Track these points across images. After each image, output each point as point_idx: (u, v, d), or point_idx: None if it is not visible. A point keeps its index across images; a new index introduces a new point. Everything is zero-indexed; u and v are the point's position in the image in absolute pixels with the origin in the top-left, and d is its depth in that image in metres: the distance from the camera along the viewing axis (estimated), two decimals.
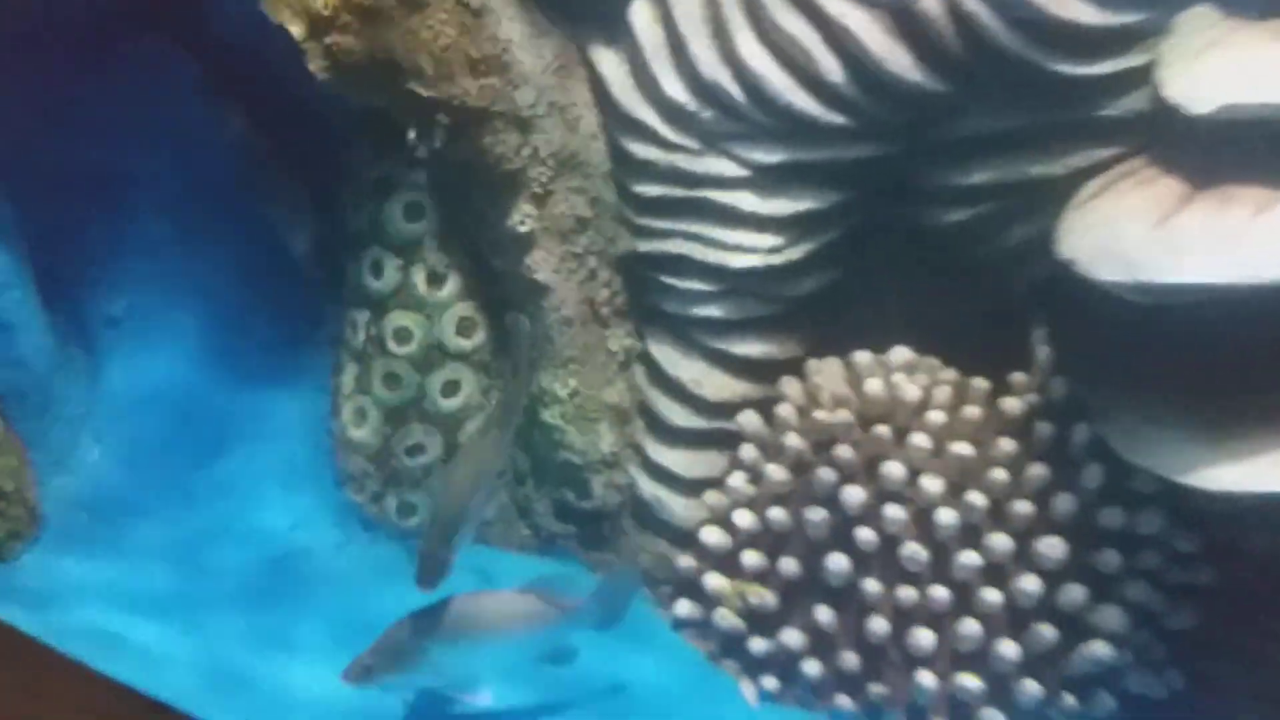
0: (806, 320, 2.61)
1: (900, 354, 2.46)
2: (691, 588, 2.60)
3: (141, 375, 2.94)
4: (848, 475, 2.40)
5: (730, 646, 2.54)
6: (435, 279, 2.73)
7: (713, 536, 2.62)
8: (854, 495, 2.38)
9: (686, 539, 2.69)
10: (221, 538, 2.73)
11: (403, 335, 2.76)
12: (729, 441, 2.49)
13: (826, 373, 2.65)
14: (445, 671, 2.24)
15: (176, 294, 2.98)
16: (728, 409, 2.56)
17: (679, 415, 2.56)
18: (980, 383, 2.48)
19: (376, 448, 2.78)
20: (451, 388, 2.76)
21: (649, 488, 2.54)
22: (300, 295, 2.98)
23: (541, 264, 2.61)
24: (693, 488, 2.67)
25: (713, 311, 2.49)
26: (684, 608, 2.59)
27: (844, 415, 2.50)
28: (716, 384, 2.61)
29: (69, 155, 2.92)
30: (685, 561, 2.69)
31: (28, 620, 2.38)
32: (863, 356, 2.57)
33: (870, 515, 2.25)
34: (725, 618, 2.51)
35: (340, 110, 2.78)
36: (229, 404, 2.96)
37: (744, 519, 2.54)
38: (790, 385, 2.66)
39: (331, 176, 2.86)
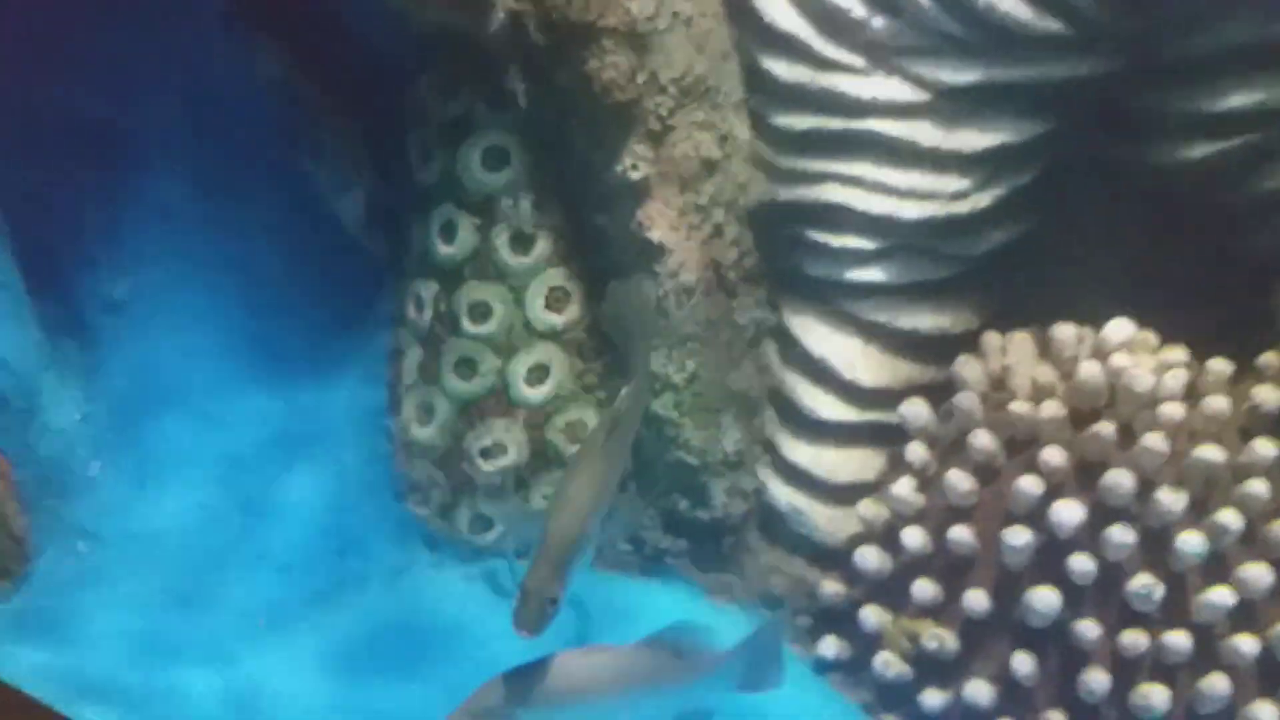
0: (990, 286, 2.09)
1: (1119, 329, 1.92)
2: (840, 622, 2.08)
3: (150, 372, 2.37)
4: (1057, 486, 1.85)
5: (894, 699, 1.99)
6: (521, 242, 2.18)
7: (870, 559, 2.08)
8: (1067, 513, 1.81)
9: (833, 559, 2.15)
10: (255, 568, 2.19)
11: (480, 311, 2.19)
12: (888, 438, 2.03)
13: (1017, 352, 2.18)
14: None
15: (193, 271, 2.39)
16: (888, 397, 2.10)
17: (825, 405, 2.08)
18: (1221, 365, 1.93)
19: (445, 450, 2.22)
20: (539, 374, 2.20)
21: (784, 495, 2.08)
22: (350, 268, 2.37)
23: (657, 219, 2.04)
24: (841, 495, 2.12)
25: (874, 275, 2.01)
26: (830, 647, 2.05)
27: (1051, 408, 1.98)
28: (874, 365, 2.07)
29: (60, 104, 2.34)
30: (832, 588, 2.15)
31: (27, 677, 1.92)
32: (1065, 331, 2.01)
33: (1087, 539, 1.78)
34: (889, 664, 1.96)
35: (401, 39, 2.23)
36: (260, 404, 2.36)
37: (913, 538, 1.98)
38: (970, 367, 2.09)
39: (390, 122, 2.30)
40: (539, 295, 2.23)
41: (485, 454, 2.26)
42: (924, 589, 2.01)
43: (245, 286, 2.52)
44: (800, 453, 2.15)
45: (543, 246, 2.20)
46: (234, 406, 2.44)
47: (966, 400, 2.07)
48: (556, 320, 2.24)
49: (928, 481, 2.07)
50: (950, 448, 2.09)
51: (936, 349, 2.16)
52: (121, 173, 2.44)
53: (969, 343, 2.14)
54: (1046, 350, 2.11)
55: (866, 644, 2.06)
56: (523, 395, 2.26)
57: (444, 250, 2.25)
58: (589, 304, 2.26)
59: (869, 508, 2.13)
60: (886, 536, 2.09)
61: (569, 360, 2.28)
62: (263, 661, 2.06)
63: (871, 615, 2.05)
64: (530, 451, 2.25)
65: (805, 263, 2.02)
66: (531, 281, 2.22)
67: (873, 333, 2.02)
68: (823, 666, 2.10)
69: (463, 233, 2.22)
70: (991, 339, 2.15)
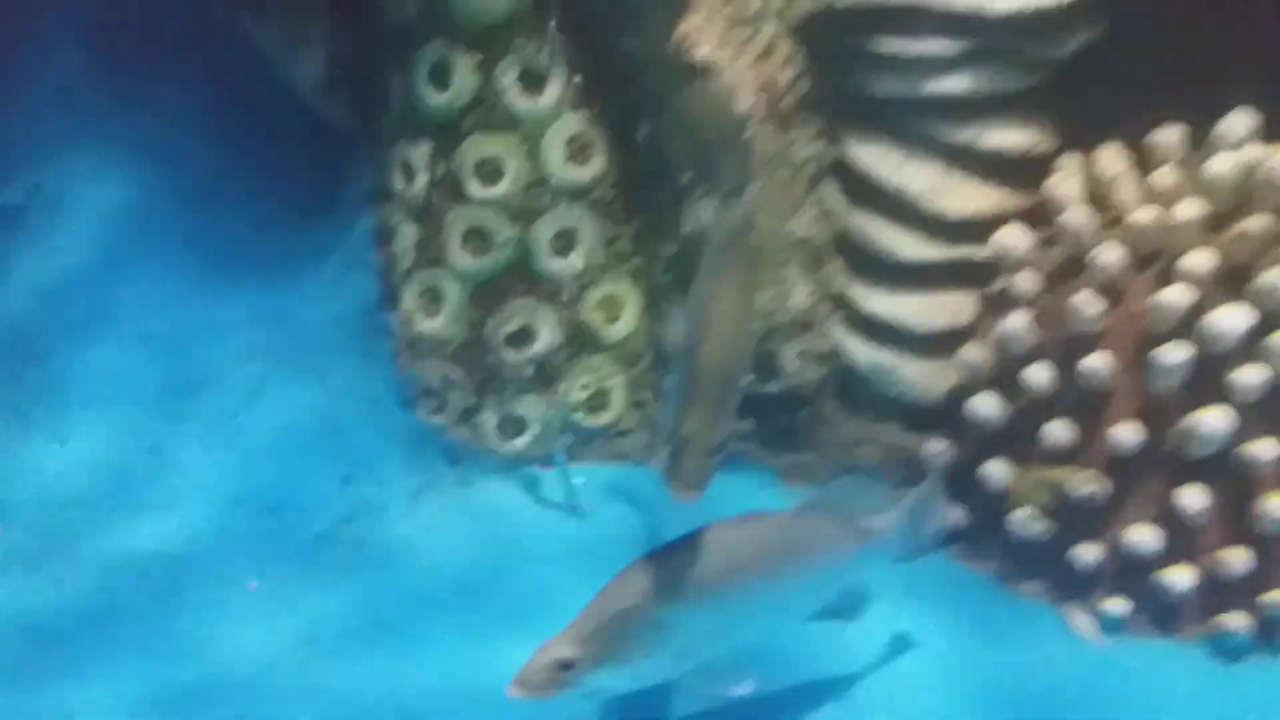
0: (1075, 97, 1.76)
1: (1242, 120, 1.63)
2: (951, 486, 1.78)
3: (61, 290, 1.89)
4: (1209, 297, 1.58)
5: (1034, 562, 1.70)
6: (532, 80, 1.78)
7: (986, 408, 1.75)
8: (1228, 321, 1.54)
9: (932, 419, 1.89)
10: (232, 515, 1.74)
11: (489, 170, 1.80)
12: (978, 277, 1.77)
13: (1111, 165, 1.94)
14: (696, 650, 1.36)
15: (108, 164, 1.94)
16: (977, 229, 1.83)
17: (906, 244, 1.81)
18: None
19: (461, 342, 1.84)
20: (565, 240, 1.84)
21: (865, 353, 1.79)
22: (310, 143, 1.93)
23: (699, 35, 1.71)
24: (934, 346, 1.78)
25: (953, 86, 1.71)
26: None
27: (1189, 209, 1.62)
28: (960, 193, 1.79)
29: None
30: (938, 449, 1.95)
31: None
32: (1169, 134, 1.72)
33: (1253, 350, 1.57)
34: (1028, 521, 1.66)
35: None
36: (213, 315, 1.91)
37: (1038, 376, 1.65)
38: (1068, 184, 1.76)
39: None
40: (558, 145, 1.82)
41: (511, 341, 1.88)
42: (1058, 431, 1.68)
43: (177, 177, 2.08)
44: (880, 303, 1.80)
45: (559, 85, 1.80)
46: (178, 323, 2.00)
47: (1077, 216, 1.82)
48: (581, 175, 1.84)
49: (1043, 313, 1.85)
50: (1060, 273, 1.87)
51: (1022, 172, 1.82)
52: (16, 48, 1.94)
53: (1052, 165, 1.91)
54: (1147, 160, 1.90)
55: (991, 505, 1.77)
56: (549, 268, 1.87)
57: (437, 99, 1.81)
58: (616, 154, 1.95)
59: (973, 352, 1.88)
60: (999, 381, 1.87)
61: (599, 224, 1.91)
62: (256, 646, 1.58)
63: (996, 471, 1.75)
64: (563, 335, 1.89)
65: (871, 80, 1.72)
66: (548, 129, 1.81)
67: (956, 156, 1.77)
68: (945, 539, 1.82)
69: (460, 74, 1.78)
70: (1074, 160, 1.93)
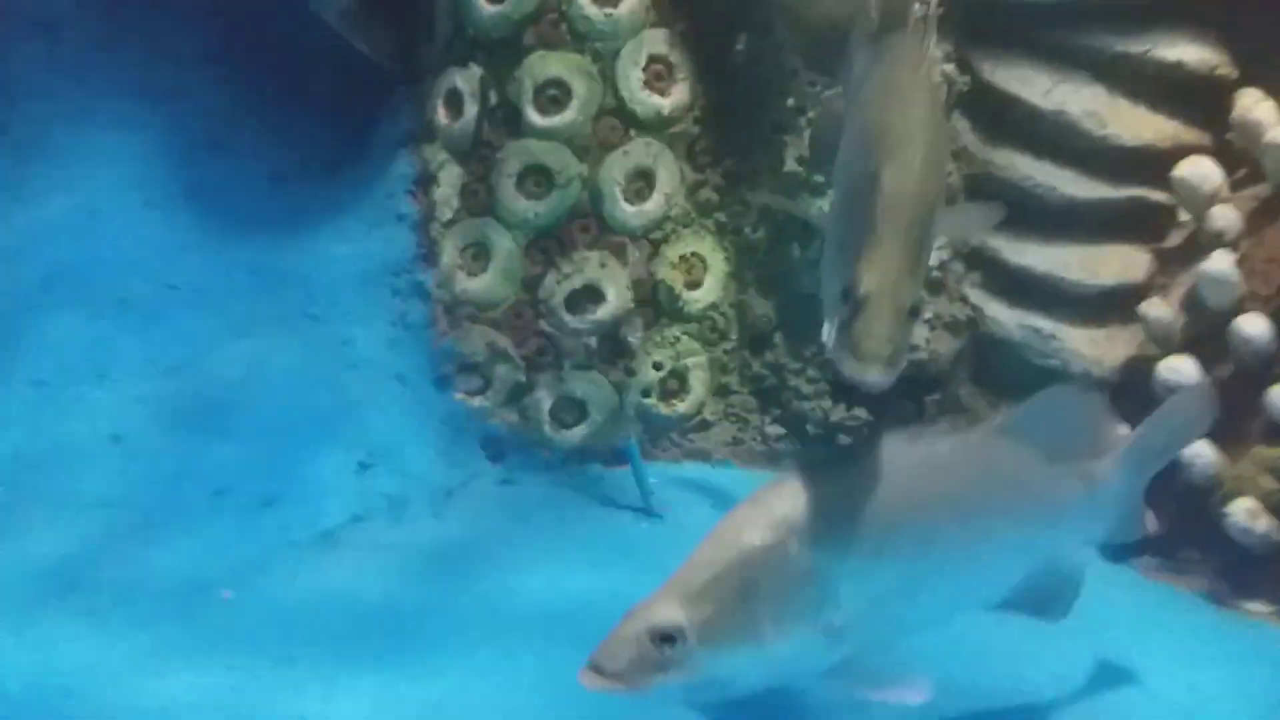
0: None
1: None
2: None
3: (18, 245, 1.55)
4: None
5: (1256, 573, 1.30)
6: None
7: (1184, 372, 1.38)
8: None
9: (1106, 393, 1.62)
10: (230, 509, 1.36)
11: (553, 94, 1.47)
12: (1154, 222, 1.45)
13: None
14: (857, 627, 0.96)
15: (96, 102, 1.62)
16: (1152, 162, 1.51)
17: (1064, 180, 1.50)
18: None
19: (510, 304, 1.48)
20: (643, 181, 1.49)
21: (1014, 319, 1.47)
22: (339, 81, 1.61)
23: None
24: (1101, 306, 1.45)
25: None
26: None
27: None
28: (1130, 119, 1.50)
29: None
30: (1118, 434, 1.62)
31: None
32: None
33: None
34: (1248, 518, 1.26)
35: None
36: (209, 281, 1.54)
37: (1256, 327, 1.29)
38: (1261, 105, 1.37)
39: None
40: (635, 66, 1.48)
41: (573, 304, 1.51)
42: None
43: (176, 121, 1.74)
44: (1032, 255, 1.46)
45: None
46: (164, 288, 1.60)
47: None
48: (662, 103, 1.49)
49: (1247, 260, 1.49)
50: (1266, 211, 1.53)
51: (1201, 100, 1.51)
52: None
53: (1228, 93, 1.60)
54: None
55: (1195, 502, 1.33)
56: (623, 215, 1.49)
57: (490, 9, 1.48)
58: (703, 81, 1.55)
59: (1159, 309, 1.52)
60: (1194, 345, 1.51)
61: (679, 165, 1.56)
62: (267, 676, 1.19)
63: (1202, 455, 1.35)
64: (635, 299, 1.51)
65: None
66: (624, 46, 1.48)
67: (1118, 77, 1.46)
68: (1122, 550, 1.41)
69: None
70: (1256, 92, 1.62)
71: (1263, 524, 1.29)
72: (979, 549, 1.00)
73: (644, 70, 1.51)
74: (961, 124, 1.56)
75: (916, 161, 0.93)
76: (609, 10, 1.50)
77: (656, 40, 1.52)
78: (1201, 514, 1.36)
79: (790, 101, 1.51)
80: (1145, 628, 1.28)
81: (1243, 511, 1.29)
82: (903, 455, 0.98)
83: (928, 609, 1.01)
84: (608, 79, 1.52)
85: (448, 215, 1.56)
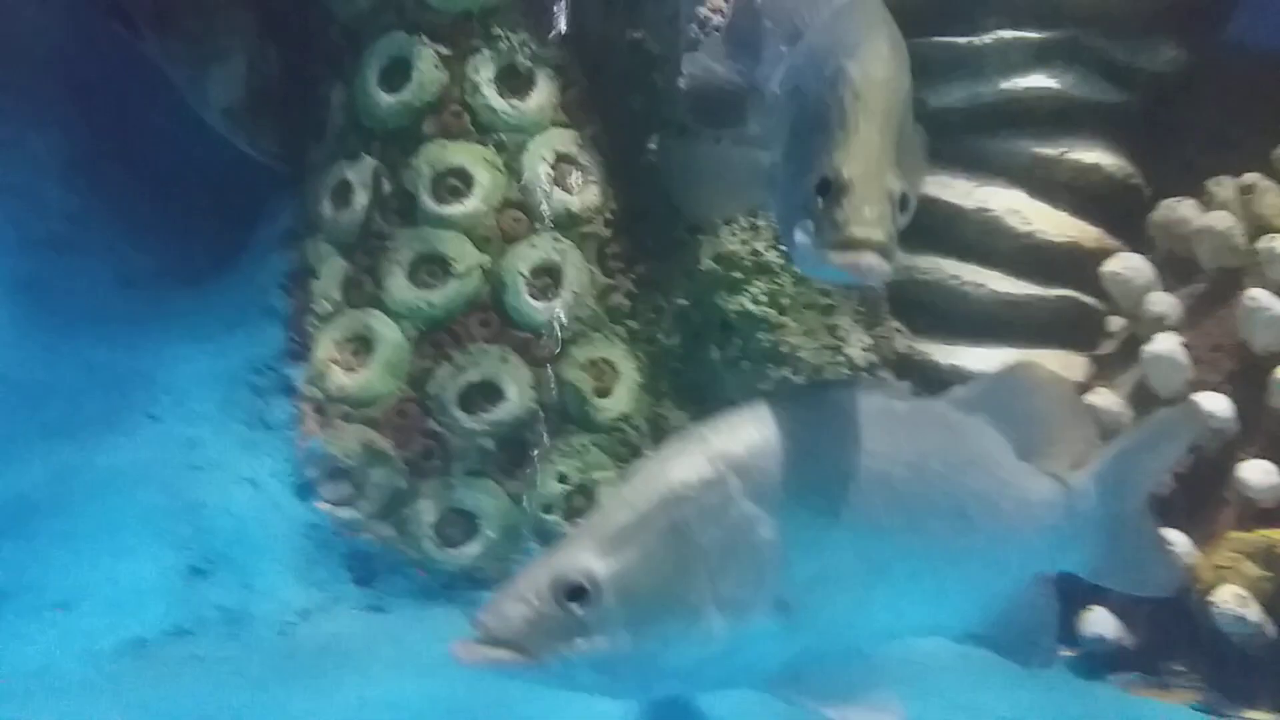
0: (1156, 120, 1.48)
1: None
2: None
3: None
4: None
5: (1254, 674, 1.11)
6: (515, 79, 1.38)
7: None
8: None
9: None
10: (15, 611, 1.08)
11: (452, 183, 1.34)
12: (1085, 325, 1.36)
13: (1220, 192, 1.56)
14: (812, 607, 0.76)
15: None
16: (1077, 264, 1.39)
17: (992, 279, 1.37)
18: None
19: (393, 404, 1.28)
20: (549, 279, 1.34)
21: None
22: (216, 181, 1.47)
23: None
24: None
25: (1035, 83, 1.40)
26: (1100, 623, 1.17)
27: None
28: (1055, 220, 1.35)
29: None
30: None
31: None
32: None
33: None
34: (1234, 606, 1.08)
35: None
36: (38, 380, 1.29)
37: (1218, 405, 1.17)
38: (1183, 204, 1.34)
39: None
40: (543, 161, 1.37)
41: (468, 402, 1.31)
42: (1256, 475, 1.14)
43: (20, 224, 1.54)
44: (965, 356, 1.35)
45: (547, 90, 1.40)
46: (38, 387, 1.30)
47: (1222, 219, 1.28)
48: (570, 200, 1.37)
49: (1192, 344, 1.34)
50: (1207, 298, 1.37)
51: (1117, 205, 1.44)
52: None
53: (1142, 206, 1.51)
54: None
55: (1173, 603, 1.16)
56: (527, 308, 1.33)
57: (388, 100, 1.36)
58: (615, 186, 1.46)
59: (1106, 399, 1.29)
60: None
61: (589, 268, 1.43)
62: None
63: (1177, 548, 1.21)
64: (538, 401, 1.32)
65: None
66: (531, 140, 1.39)
67: (1038, 180, 1.42)
68: (1091, 662, 1.19)
69: (422, 67, 1.35)
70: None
71: (1255, 613, 1.12)
72: (947, 536, 0.81)
73: (552, 169, 1.45)
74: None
75: (884, 49, 0.80)
76: (515, 102, 1.43)
77: (565, 140, 1.43)
78: (1181, 618, 1.19)
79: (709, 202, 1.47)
80: None
81: (1231, 598, 1.11)
82: (863, 406, 0.80)
83: (890, 608, 0.79)
84: (512, 171, 1.43)
85: (326, 308, 1.37)
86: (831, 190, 0.74)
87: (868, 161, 0.75)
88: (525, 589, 0.71)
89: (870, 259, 0.73)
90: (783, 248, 0.97)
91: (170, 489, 1.19)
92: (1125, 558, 0.91)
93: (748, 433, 0.77)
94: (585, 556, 0.71)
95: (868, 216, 0.73)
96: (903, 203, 0.76)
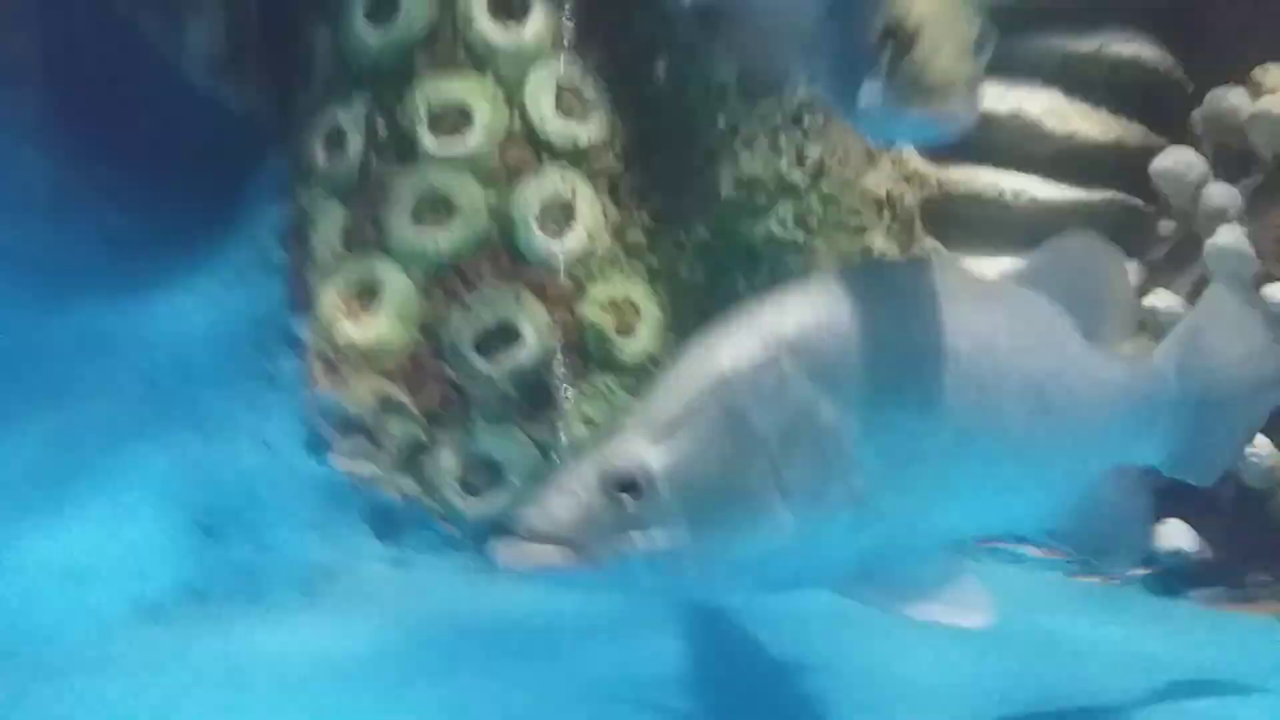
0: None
1: None
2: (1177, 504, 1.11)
3: None
4: None
5: None
6: (511, 7, 1.29)
7: None
8: None
9: None
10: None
11: (452, 119, 1.26)
12: (1137, 235, 1.29)
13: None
14: (890, 495, 0.69)
15: None
16: (1128, 158, 1.32)
17: (1033, 184, 1.30)
18: None
19: (406, 350, 1.20)
20: (561, 215, 1.26)
21: None
22: (200, 136, 1.37)
23: None
24: None
25: None
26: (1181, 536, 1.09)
27: None
28: (1095, 120, 1.29)
29: None
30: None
31: None
32: None
33: None
34: None
35: None
36: (19, 347, 1.21)
37: None
38: (1233, 92, 1.26)
39: None
40: (546, 91, 1.29)
41: (485, 346, 1.23)
42: None
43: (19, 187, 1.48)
44: (1008, 269, 1.39)
45: (544, 16, 1.30)
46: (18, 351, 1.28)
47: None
48: (578, 131, 1.29)
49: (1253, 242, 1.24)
50: (1263, 193, 1.34)
51: (1158, 101, 1.35)
52: None
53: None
54: None
55: (1256, 508, 1.09)
56: (540, 246, 1.26)
57: (376, 37, 1.28)
58: (622, 115, 1.39)
59: (1166, 299, 1.19)
60: None
61: (601, 203, 1.38)
62: None
63: (1258, 451, 1.06)
64: (560, 339, 1.25)
65: None
66: (531, 71, 1.30)
67: (1073, 78, 1.34)
68: (1169, 579, 1.11)
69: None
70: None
71: None
72: (1020, 419, 0.73)
73: (555, 99, 1.36)
74: (907, 150, 1.45)
75: None
76: (512, 31, 1.37)
77: (568, 70, 1.37)
78: (1263, 524, 1.12)
79: (722, 123, 1.37)
80: (1236, 663, 1.01)
81: None
82: (922, 282, 0.73)
83: (964, 498, 0.72)
84: (513, 104, 1.36)
85: (328, 258, 1.28)
86: (899, 37, 0.66)
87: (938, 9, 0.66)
88: (572, 482, 0.64)
89: (954, 106, 0.65)
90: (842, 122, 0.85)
91: (173, 450, 1.12)
92: (1208, 447, 0.84)
93: (801, 310, 0.70)
94: (635, 445, 0.64)
95: (945, 59, 0.65)
96: (981, 39, 0.68)
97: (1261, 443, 1.11)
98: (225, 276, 1.28)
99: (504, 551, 0.64)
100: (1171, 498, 1.12)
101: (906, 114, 0.66)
